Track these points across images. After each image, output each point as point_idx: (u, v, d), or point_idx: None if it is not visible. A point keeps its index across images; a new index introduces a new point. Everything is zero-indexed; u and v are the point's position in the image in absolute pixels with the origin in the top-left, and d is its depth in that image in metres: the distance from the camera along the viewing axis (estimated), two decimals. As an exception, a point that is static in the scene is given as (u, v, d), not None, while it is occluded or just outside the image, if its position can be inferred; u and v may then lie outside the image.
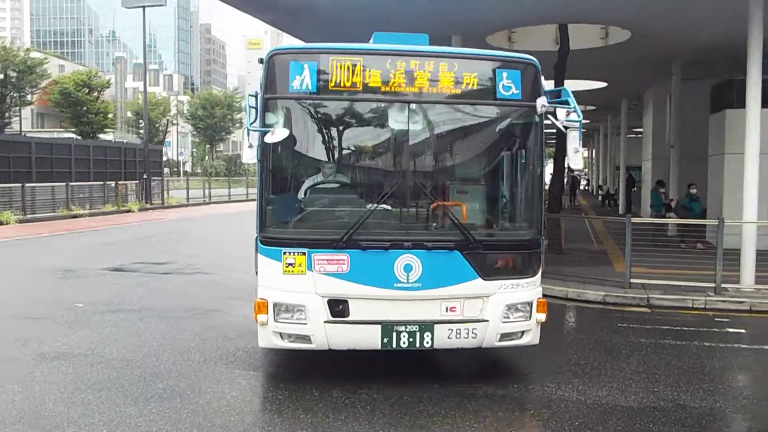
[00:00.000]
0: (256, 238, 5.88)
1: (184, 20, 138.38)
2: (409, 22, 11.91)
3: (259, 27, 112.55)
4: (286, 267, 5.72)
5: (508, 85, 5.92)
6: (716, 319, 9.46)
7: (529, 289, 6.09)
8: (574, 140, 5.86)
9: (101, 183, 30.25)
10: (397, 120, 5.95)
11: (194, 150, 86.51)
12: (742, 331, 8.99)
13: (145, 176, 32.76)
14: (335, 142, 6.55)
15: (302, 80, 5.70)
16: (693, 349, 7.60)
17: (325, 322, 5.70)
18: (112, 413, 5.36)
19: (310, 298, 5.71)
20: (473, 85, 5.97)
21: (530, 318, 6.07)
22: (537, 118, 5.98)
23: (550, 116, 5.83)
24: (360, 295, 5.74)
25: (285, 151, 6.04)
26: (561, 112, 5.75)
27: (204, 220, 27.24)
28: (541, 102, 5.81)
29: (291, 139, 5.92)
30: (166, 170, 51.61)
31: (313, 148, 6.53)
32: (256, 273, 5.98)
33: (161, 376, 6.27)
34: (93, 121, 57.35)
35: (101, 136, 57.36)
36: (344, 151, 6.69)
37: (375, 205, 5.97)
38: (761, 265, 10.75)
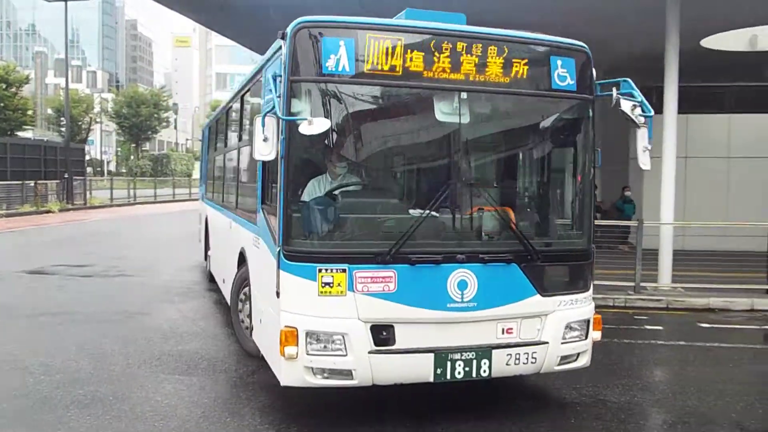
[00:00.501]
0: (279, 252, 4.79)
1: (108, 15, 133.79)
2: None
3: (187, 24, 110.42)
4: (323, 287, 4.69)
5: (564, 75, 5.24)
6: (635, 317, 9.83)
7: (586, 305, 5.45)
8: (643, 138, 5.28)
9: (19, 182, 28.94)
10: (448, 112, 5.07)
11: (119, 149, 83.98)
12: (659, 327, 9.37)
13: (66, 175, 31.55)
14: (376, 137, 5.56)
15: (338, 60, 4.70)
16: (613, 347, 7.84)
17: (370, 352, 4.75)
18: (28, 422, 5.12)
19: (351, 325, 4.72)
20: (527, 73, 5.15)
21: (587, 337, 5.44)
22: (591, 113, 5.41)
23: (622, 111, 5.22)
24: (408, 319, 4.83)
25: (316, 145, 5.02)
26: (626, 105, 5.21)
27: (129, 221, 26.44)
28: (616, 95, 5.23)
29: (324, 132, 4.75)
30: (89, 170, 49.97)
31: (349, 143, 5.44)
32: (277, 294, 4.85)
33: (82, 382, 6.02)
34: (11, 118, 54.78)
35: (20, 133, 54.94)
36: (386, 148, 5.77)
37: (426, 211, 5.01)
38: (679, 264, 11.28)
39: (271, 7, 12.92)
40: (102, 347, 7.27)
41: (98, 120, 74.45)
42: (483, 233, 5.30)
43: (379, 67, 4.79)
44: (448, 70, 4.92)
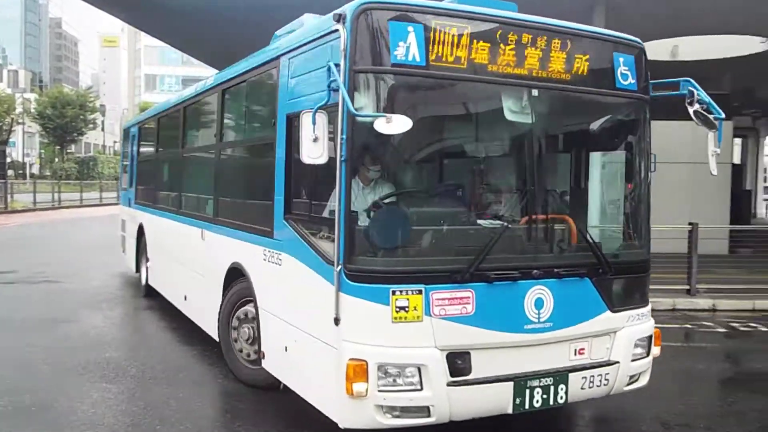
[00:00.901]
0: (340, 271, 4.04)
1: (32, 13, 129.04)
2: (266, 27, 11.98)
3: (115, 24, 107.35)
4: (397, 312, 4.02)
5: (626, 73, 4.81)
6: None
7: (648, 319, 5.02)
8: (713, 141, 4.85)
9: (-66, 185, 27.57)
10: (517, 111, 4.51)
11: (42, 151, 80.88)
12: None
13: (-15, 178, 30.23)
14: (442, 137, 5.08)
15: (407, 48, 4.05)
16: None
17: (448, 384, 4.14)
18: (-56, 435, 4.90)
19: (429, 354, 4.09)
20: (594, 70, 4.71)
21: (648, 354, 5.00)
22: (648, 114, 5.03)
23: (695, 113, 4.78)
24: (486, 344, 4.27)
25: (383, 147, 4.45)
26: (696, 107, 4.79)
27: (53, 225, 25.40)
28: (695, 97, 4.77)
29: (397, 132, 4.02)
30: (10, 172, 47.92)
31: (419, 144, 4.84)
32: (336, 321, 4.09)
33: (3, 392, 5.79)
34: (-76, 118, 52.26)
35: (-66, 134, 52.34)
36: (453, 150, 5.32)
37: (502, 222, 4.64)
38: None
39: (203, 6, 12.79)
40: (25, 356, 7.00)
41: (20, 121, 71.53)
42: (555, 245, 4.80)
43: (446, 59, 4.15)
44: (514, 64, 4.37)
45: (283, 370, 5.22)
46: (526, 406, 4.35)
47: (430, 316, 4.07)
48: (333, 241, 4.14)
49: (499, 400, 4.30)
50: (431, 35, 4.09)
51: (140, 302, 10.09)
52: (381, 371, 4.03)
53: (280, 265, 5.07)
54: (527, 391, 4.33)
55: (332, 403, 4.32)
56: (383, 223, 4.38)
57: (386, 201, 4.59)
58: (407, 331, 4.06)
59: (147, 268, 10.05)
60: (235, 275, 6.07)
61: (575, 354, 4.60)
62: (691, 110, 4.78)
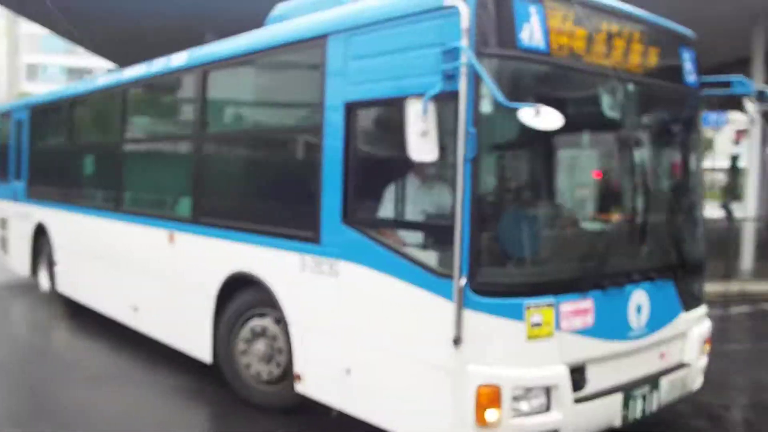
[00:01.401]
0: (465, 285, 3.46)
1: None
2: (160, 18, 11.94)
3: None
4: (532, 329, 3.54)
5: (690, 68, 4.55)
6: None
7: (706, 318, 4.79)
8: None
9: None
10: (618, 106, 4.12)
11: None
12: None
13: None
14: (566, 134, 4.26)
15: (531, 32, 3.56)
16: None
17: (574, 401, 3.73)
18: None
19: (558, 372, 3.64)
20: (674, 65, 4.47)
21: (704, 353, 4.71)
22: (699, 111, 4.83)
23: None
24: (599, 356, 3.91)
25: (513, 145, 3.87)
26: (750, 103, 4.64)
27: None
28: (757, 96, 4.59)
29: (523, 127, 3.43)
30: None
31: (545, 142, 4.33)
32: (456, 342, 3.49)
33: None
34: None
35: None
36: (575, 147, 4.90)
37: (617, 225, 4.42)
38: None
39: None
40: None
41: None
42: (647, 247, 4.40)
43: (566, 46, 3.75)
44: (621, 57, 4.06)
45: (343, 395, 4.36)
46: (631, 417, 4.03)
47: (559, 330, 3.65)
48: (439, 250, 3.75)
49: (610, 412, 3.96)
50: (553, 19, 3.65)
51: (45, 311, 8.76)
52: (515, 396, 3.54)
53: (336, 276, 4.28)
54: (631, 402, 4.03)
55: (431, 426, 3.78)
56: (514, 228, 3.76)
57: (539, 204, 4.22)
58: (539, 348, 3.61)
59: (54, 273, 8.62)
60: (236, 285, 5.20)
61: (659, 358, 4.33)
62: (755, 108, 4.71)
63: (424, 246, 3.95)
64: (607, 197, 4.64)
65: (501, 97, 3.29)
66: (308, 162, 4.73)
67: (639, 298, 4.10)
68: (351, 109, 4.14)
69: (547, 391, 3.61)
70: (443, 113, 3.49)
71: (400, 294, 3.85)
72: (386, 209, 4.23)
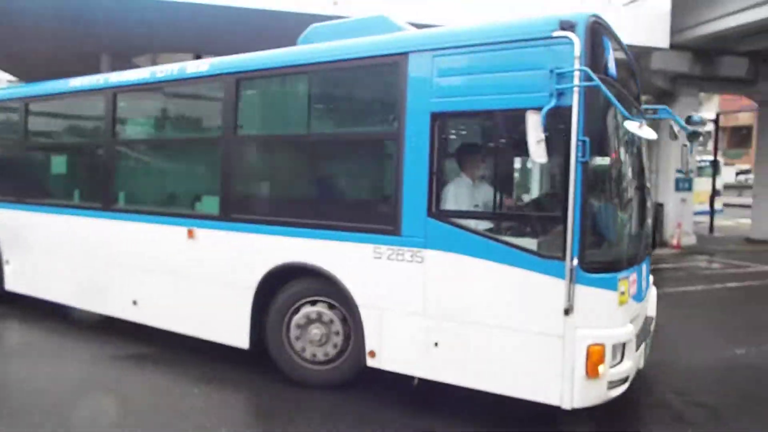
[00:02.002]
0: (575, 265, 4.26)
1: None
2: (58, 38, 12.32)
3: None
4: (621, 296, 4.45)
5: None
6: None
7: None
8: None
9: None
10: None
11: None
12: None
13: None
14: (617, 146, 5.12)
15: (608, 62, 4.56)
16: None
17: (635, 353, 4.74)
18: None
19: (630, 330, 4.57)
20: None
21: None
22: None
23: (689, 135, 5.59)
24: (635, 315, 4.93)
25: (609, 151, 4.64)
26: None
27: None
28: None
29: (616, 137, 4.71)
30: None
31: (628, 148, 5.16)
32: (567, 311, 4.30)
33: None
34: None
35: None
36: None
37: (636, 213, 5.37)
38: None
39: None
40: None
41: None
42: (645, 231, 5.74)
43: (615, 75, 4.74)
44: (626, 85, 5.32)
45: (431, 364, 4.98)
46: (644, 359, 5.12)
47: (629, 296, 4.59)
48: (545, 236, 4.51)
49: (640, 358, 4.93)
50: (615, 51, 4.68)
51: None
52: (612, 351, 4.35)
53: (421, 262, 4.92)
54: (645, 347, 5.08)
55: (552, 388, 4.43)
56: (607, 218, 4.59)
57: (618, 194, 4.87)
58: (621, 312, 4.47)
59: (3, 272, 8.58)
60: (280, 276, 5.73)
61: (645, 314, 5.47)
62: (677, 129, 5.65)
63: (528, 234, 4.64)
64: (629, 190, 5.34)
65: (626, 113, 4.18)
66: (384, 163, 5.44)
67: (644, 270, 5.25)
68: (437, 118, 4.83)
69: (623, 345, 4.47)
70: (552, 124, 4.20)
71: (498, 275, 4.58)
72: (474, 204, 5.16)
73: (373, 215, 5.31)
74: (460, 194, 5.15)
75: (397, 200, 5.02)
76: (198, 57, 17.20)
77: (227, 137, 6.12)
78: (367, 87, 5.80)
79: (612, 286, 4.38)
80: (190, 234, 6.34)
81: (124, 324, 7.03)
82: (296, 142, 6.07)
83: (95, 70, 13.79)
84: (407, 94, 4.97)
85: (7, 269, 8.50)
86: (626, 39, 16.85)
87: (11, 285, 8.46)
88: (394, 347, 5.14)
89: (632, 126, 4.25)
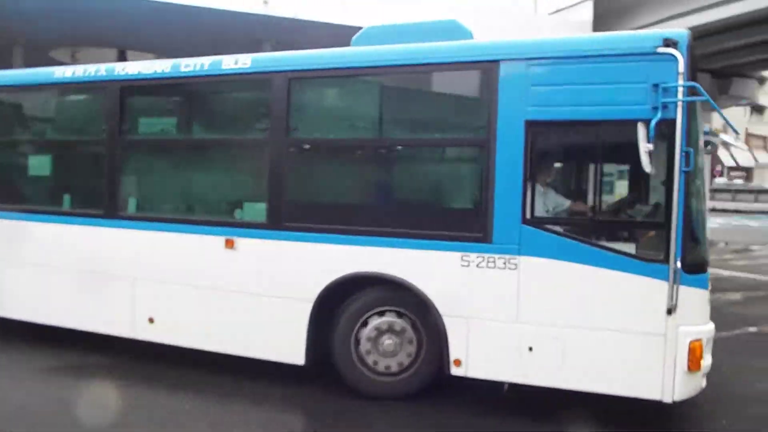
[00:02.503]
0: (679, 267, 4.47)
1: None
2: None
3: None
4: (709, 293, 4.83)
5: None
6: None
7: None
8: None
9: None
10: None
11: None
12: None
13: None
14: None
15: (697, 77, 4.92)
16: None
17: None
18: None
19: (713, 326, 4.92)
20: None
21: None
22: None
23: None
24: None
25: (702, 160, 4.92)
26: None
27: None
28: None
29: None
30: None
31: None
32: (671, 311, 4.52)
33: None
34: None
35: None
36: None
37: None
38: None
39: None
40: None
41: None
42: None
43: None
44: None
45: (525, 370, 4.97)
46: None
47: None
48: (647, 242, 4.80)
49: None
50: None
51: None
52: (707, 345, 4.66)
53: (515, 269, 4.89)
54: None
55: (654, 384, 4.60)
56: (700, 223, 4.81)
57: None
58: (708, 308, 4.76)
59: None
60: (342, 288, 5.44)
61: None
62: None
63: (625, 239, 4.93)
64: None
65: (736, 128, 4.55)
66: (470, 170, 5.47)
67: None
68: (532, 126, 4.85)
69: (711, 339, 4.76)
70: (657, 136, 4.41)
71: (599, 279, 4.71)
72: (571, 211, 5.29)
73: (459, 223, 5.27)
74: (557, 201, 5.28)
75: (486, 208, 4.98)
76: (122, 53, 16.70)
77: (278, 140, 5.70)
78: (450, 93, 5.75)
79: (706, 285, 4.67)
80: (229, 244, 5.80)
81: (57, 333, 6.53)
82: (367, 147, 5.91)
83: (7, 64, 13.05)
84: (498, 102, 4.94)
85: None
86: None
87: None
88: (483, 354, 5.08)
89: (730, 138, 5.12)
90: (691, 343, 4.53)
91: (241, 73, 5.86)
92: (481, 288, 5.01)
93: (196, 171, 6.54)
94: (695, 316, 4.62)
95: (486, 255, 4.97)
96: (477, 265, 4.99)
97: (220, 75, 5.97)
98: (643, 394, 4.69)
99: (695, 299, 4.60)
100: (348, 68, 5.67)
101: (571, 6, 17.13)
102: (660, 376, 4.59)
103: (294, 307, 5.51)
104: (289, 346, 5.54)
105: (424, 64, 5.41)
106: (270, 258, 5.70)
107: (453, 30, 5.60)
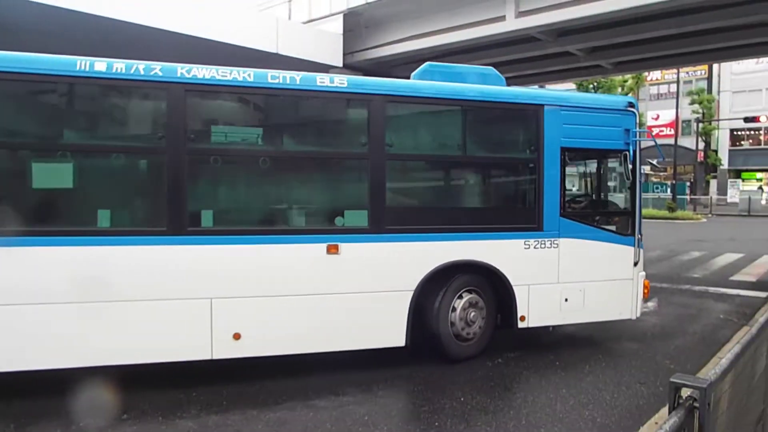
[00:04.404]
0: (639, 238, 7.43)
1: None
2: None
3: None
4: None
5: None
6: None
7: None
8: None
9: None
10: None
11: None
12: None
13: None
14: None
15: None
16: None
17: None
18: None
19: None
20: None
21: None
22: None
23: None
24: None
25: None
26: None
27: None
28: None
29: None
30: None
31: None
32: (635, 264, 7.44)
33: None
34: None
35: None
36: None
37: None
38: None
39: None
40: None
41: None
42: None
43: None
44: None
45: (564, 314, 7.16)
46: None
47: None
48: (624, 224, 7.43)
49: None
50: None
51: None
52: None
53: (557, 247, 7.02)
54: None
55: (627, 309, 7.43)
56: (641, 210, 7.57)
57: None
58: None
59: None
60: (434, 277, 6.51)
61: None
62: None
63: (616, 223, 7.54)
64: None
65: (662, 155, 7.65)
66: (527, 179, 7.23)
67: None
68: (564, 151, 7.07)
69: None
70: (626, 160, 7.30)
71: (605, 249, 7.28)
72: (589, 206, 7.78)
73: (521, 218, 7.10)
74: (576, 200, 7.83)
75: (537, 206, 7.01)
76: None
77: (378, 154, 6.32)
78: (509, 124, 7.42)
79: (643, 246, 7.54)
80: (332, 249, 6.12)
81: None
82: (452, 162, 7.24)
83: None
84: (544, 133, 6.99)
85: None
86: (306, 56, 19.37)
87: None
88: (538, 308, 7.02)
89: (655, 161, 9.23)
90: (644, 280, 7.52)
91: (336, 91, 6.24)
92: (536, 263, 6.95)
93: (291, 182, 6.58)
94: (642, 265, 7.52)
95: (539, 239, 6.98)
96: (534, 247, 6.96)
97: (311, 91, 6.19)
98: (624, 317, 7.47)
99: (642, 255, 7.47)
100: (436, 98, 6.71)
101: (323, 18, 18.13)
102: (630, 304, 7.43)
103: (397, 298, 6.37)
104: (393, 332, 6.38)
105: (493, 102, 6.97)
106: (373, 258, 6.30)
107: (492, 75, 7.36)
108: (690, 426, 1.99)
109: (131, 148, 6.06)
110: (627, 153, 7.18)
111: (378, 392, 5.93)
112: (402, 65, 18.73)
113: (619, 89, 40.32)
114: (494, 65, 18.98)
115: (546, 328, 7.58)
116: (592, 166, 7.83)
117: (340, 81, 6.27)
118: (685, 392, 2.02)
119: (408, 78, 7.03)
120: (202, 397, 5.70)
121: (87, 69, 5.50)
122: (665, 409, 3.29)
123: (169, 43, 14.14)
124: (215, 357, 5.87)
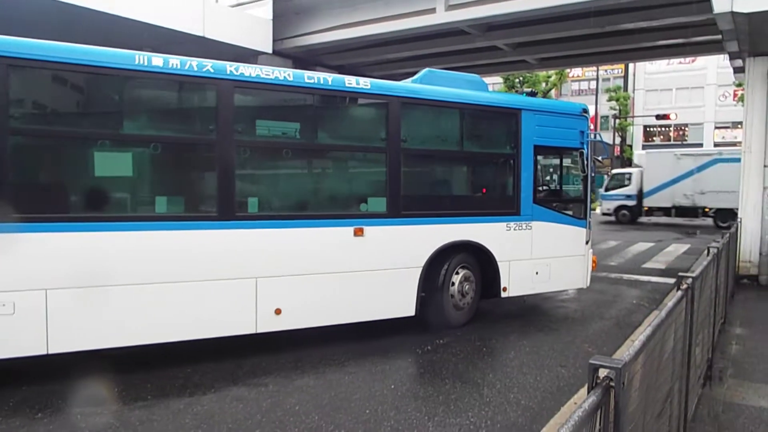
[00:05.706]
0: (589, 222, 8.92)
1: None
2: None
3: None
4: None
5: None
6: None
7: None
8: None
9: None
10: None
11: None
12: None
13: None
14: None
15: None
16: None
17: None
18: None
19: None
20: None
21: None
22: None
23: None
24: None
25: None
26: None
27: None
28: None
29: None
30: None
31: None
32: (587, 243, 8.92)
33: None
34: None
35: None
36: None
37: None
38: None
39: None
40: None
41: None
42: None
43: None
44: None
45: (534, 284, 8.48)
46: None
47: None
48: (580, 210, 8.83)
49: None
50: None
51: None
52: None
53: (530, 229, 8.30)
54: None
55: (581, 279, 8.92)
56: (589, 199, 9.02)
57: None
58: None
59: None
60: (438, 256, 7.51)
61: None
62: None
63: (574, 209, 8.88)
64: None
65: (607, 152, 7.86)
66: (507, 172, 8.35)
67: None
68: (536, 148, 8.36)
69: None
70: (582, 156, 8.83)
71: (565, 230, 8.67)
72: (553, 194, 9.17)
73: (503, 204, 8.28)
74: (545, 190, 9.07)
75: (516, 194, 8.24)
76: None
77: (394, 148, 7.18)
78: (495, 124, 8.50)
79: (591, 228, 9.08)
80: (358, 232, 6.92)
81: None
82: (452, 156, 8.26)
83: None
84: (521, 133, 8.24)
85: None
86: (234, 41, 19.22)
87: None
88: (516, 281, 8.26)
89: (600, 158, 9.80)
90: (593, 256, 9.15)
91: (361, 92, 7.07)
92: (515, 242, 8.20)
93: (325, 172, 7.53)
94: (591, 243, 9.05)
95: (518, 222, 8.24)
96: (513, 229, 8.21)
97: (340, 90, 6.93)
98: (579, 286, 9.05)
99: (591, 235, 8.96)
100: (441, 101, 7.71)
101: (252, 2, 17.78)
102: (583, 275, 8.96)
103: (408, 274, 7.34)
104: (404, 304, 7.34)
105: (483, 105, 8.06)
106: (390, 239, 7.19)
107: (477, 81, 8.48)
108: (606, 404, 2.11)
109: (185, 140, 6.38)
110: (582, 150, 8.68)
111: (309, 382, 5.94)
112: (332, 53, 18.69)
113: (543, 84, 41.44)
114: (424, 57, 19.51)
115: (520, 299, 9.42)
116: (555, 161, 9.23)
117: (365, 83, 7.04)
118: (603, 373, 2.14)
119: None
120: (125, 392, 5.57)
121: (145, 64, 5.75)
122: (584, 390, 3.46)
123: (90, 23, 13.53)
124: (259, 331, 6.40)
